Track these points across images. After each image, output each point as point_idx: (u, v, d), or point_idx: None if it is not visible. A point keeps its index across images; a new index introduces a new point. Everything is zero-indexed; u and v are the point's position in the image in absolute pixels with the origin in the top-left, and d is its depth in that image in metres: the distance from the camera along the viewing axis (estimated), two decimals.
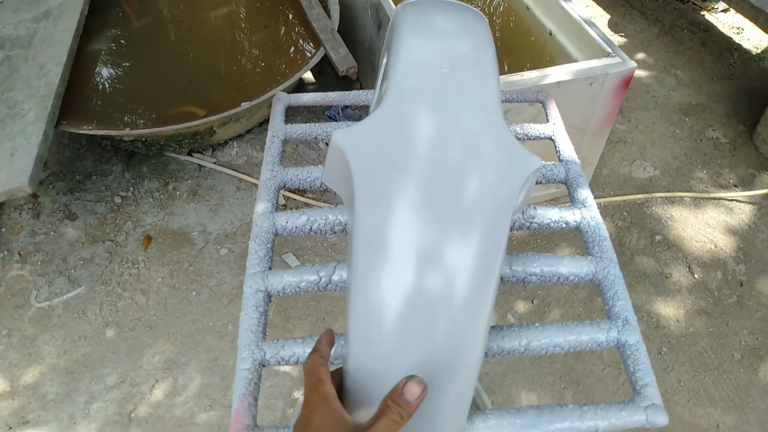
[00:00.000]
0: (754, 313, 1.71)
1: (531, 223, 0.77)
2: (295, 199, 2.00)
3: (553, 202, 2.02)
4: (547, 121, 0.93)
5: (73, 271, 1.81)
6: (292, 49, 2.18)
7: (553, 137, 0.90)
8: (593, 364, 1.60)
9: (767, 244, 1.89)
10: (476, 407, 1.48)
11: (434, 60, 0.62)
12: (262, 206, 0.81)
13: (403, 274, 0.51)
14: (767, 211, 1.98)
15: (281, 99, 0.97)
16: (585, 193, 0.80)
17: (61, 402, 1.54)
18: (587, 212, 0.78)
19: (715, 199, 2.03)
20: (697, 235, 1.92)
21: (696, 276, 1.80)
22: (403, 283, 0.51)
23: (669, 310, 1.72)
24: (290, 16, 2.30)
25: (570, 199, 0.81)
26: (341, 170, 0.58)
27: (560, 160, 0.86)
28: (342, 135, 0.57)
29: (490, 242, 0.53)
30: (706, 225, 1.95)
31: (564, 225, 0.78)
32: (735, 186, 2.07)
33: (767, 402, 1.53)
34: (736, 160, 2.16)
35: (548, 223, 0.77)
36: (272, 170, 0.85)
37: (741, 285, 1.78)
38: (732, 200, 2.03)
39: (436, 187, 0.53)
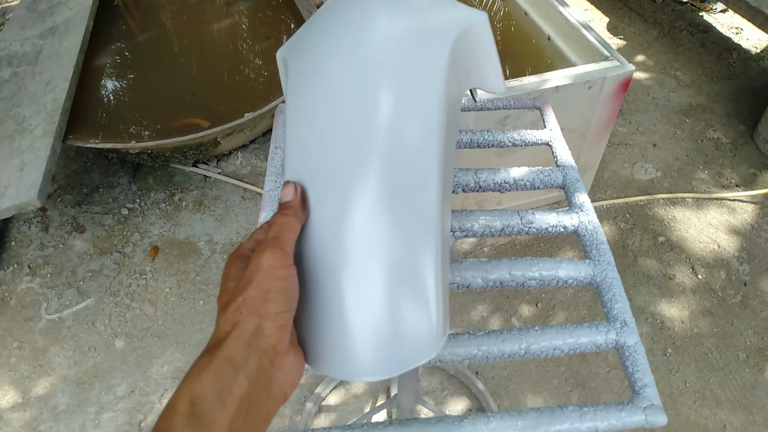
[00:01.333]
0: (759, 313, 1.71)
1: (530, 228, 0.78)
2: None
3: (556, 205, 2.04)
4: (545, 127, 0.95)
5: (82, 282, 1.84)
6: None
7: (550, 143, 0.91)
8: (598, 367, 1.61)
9: None
10: (482, 411, 1.49)
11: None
12: (264, 216, 0.82)
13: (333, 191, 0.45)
14: None
15: (283, 111, 0.99)
16: (582, 198, 0.82)
17: (72, 413, 1.56)
18: (584, 216, 0.79)
19: (717, 199, 2.04)
20: (700, 235, 1.93)
21: (700, 276, 1.81)
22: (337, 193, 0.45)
23: (673, 311, 1.73)
24: (291, 26, 2.34)
25: (567, 204, 0.83)
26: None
27: (558, 166, 0.88)
28: (283, 49, 0.54)
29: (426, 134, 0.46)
30: (708, 225, 1.95)
31: (562, 229, 0.79)
32: (737, 186, 2.08)
33: None
34: (737, 160, 2.17)
35: (546, 228, 0.79)
36: (275, 181, 0.87)
37: (745, 285, 1.78)
38: (734, 200, 2.03)
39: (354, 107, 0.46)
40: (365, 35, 0.48)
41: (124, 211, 2.03)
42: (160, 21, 2.40)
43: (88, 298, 1.80)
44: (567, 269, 0.73)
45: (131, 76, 2.16)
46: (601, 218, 2.00)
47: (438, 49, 0.46)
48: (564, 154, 0.89)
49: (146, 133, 1.91)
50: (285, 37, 2.32)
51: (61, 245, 1.94)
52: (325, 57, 0.48)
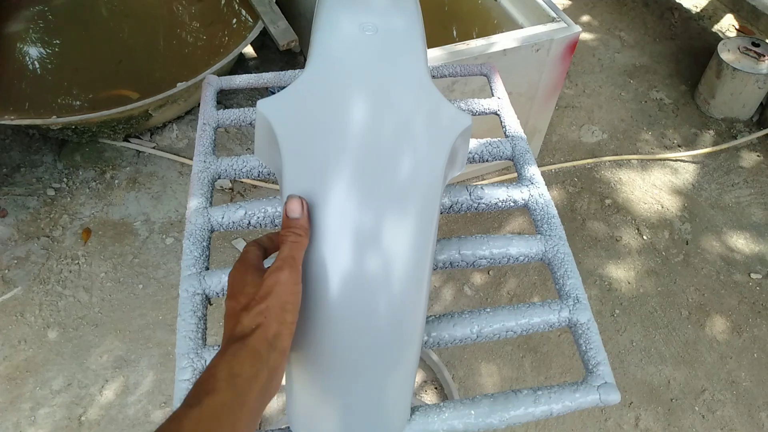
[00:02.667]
0: (700, 270, 1.77)
1: (479, 203, 0.74)
2: (242, 181, 1.93)
3: (505, 171, 2.02)
4: (492, 95, 0.90)
5: (7, 271, 1.71)
6: (230, 23, 2.07)
7: (498, 112, 0.87)
8: (549, 332, 1.63)
9: (710, 202, 1.94)
10: (445, 397, 1.48)
11: (357, 21, 0.60)
12: (195, 202, 0.75)
13: (340, 256, 0.50)
14: (709, 170, 2.04)
15: (211, 83, 0.90)
16: (532, 170, 0.78)
17: (4, 411, 1.45)
18: (535, 190, 0.76)
19: (660, 160, 2.07)
20: (644, 196, 1.96)
21: (645, 237, 1.84)
22: (339, 266, 0.50)
23: (620, 272, 1.76)
24: None
25: (517, 176, 0.79)
26: (271, 142, 0.54)
27: (506, 136, 0.84)
28: (267, 104, 0.54)
29: (426, 212, 0.52)
30: (653, 186, 1.99)
31: (512, 204, 0.76)
32: (679, 146, 2.12)
33: (714, 356, 1.59)
34: (679, 120, 2.21)
35: (496, 203, 0.75)
36: (204, 161, 0.80)
37: (687, 243, 1.83)
38: (677, 160, 2.07)
39: (366, 160, 0.51)
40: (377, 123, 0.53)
41: (50, 192, 1.88)
42: None
43: (15, 288, 1.67)
44: (518, 246, 0.70)
45: (49, 44, 1.98)
46: (550, 182, 2.00)
47: (440, 150, 0.54)
48: (513, 123, 0.85)
49: (69, 106, 1.76)
50: (219, 0, 2.17)
51: None
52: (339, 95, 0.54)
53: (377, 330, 0.51)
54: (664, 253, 1.81)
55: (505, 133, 0.85)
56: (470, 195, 0.74)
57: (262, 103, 0.54)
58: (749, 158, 2.07)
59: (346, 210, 0.50)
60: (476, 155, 0.81)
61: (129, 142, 1.98)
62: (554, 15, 1.70)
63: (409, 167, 0.52)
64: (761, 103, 2.18)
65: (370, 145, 0.52)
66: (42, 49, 1.96)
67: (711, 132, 2.16)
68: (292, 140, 0.52)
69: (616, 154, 2.08)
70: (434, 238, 0.53)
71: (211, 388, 0.40)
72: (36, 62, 1.91)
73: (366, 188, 0.50)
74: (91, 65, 1.90)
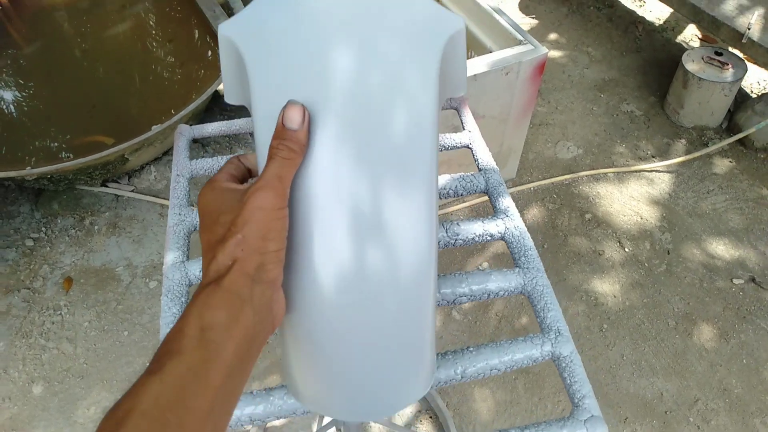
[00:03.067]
0: (683, 279, 1.78)
1: (456, 240, 0.75)
2: None
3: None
4: (463, 128, 0.91)
5: None
6: (202, 63, 2.08)
7: (470, 146, 0.88)
8: None
9: (687, 210, 1.97)
10: (440, 426, 1.47)
11: None
12: (171, 256, 0.75)
13: (336, 179, 0.42)
14: (684, 179, 2.07)
15: (183, 133, 0.91)
16: (506, 202, 0.79)
17: None
18: (510, 222, 0.77)
19: (636, 171, 2.10)
20: (623, 209, 1.98)
21: (626, 250, 1.86)
22: (336, 191, 0.42)
23: (605, 286, 1.77)
24: (195, 29, 2.20)
25: (492, 209, 0.80)
26: (241, 74, 0.45)
27: (479, 170, 0.85)
28: (230, 26, 0.44)
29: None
30: (630, 198, 2.02)
31: (489, 237, 0.76)
32: (653, 157, 2.16)
33: (703, 364, 1.60)
34: (651, 132, 2.25)
35: (473, 238, 0.75)
36: (179, 214, 0.79)
37: (668, 253, 1.85)
38: (652, 171, 2.10)
39: (346, 77, 0.42)
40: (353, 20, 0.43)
41: (29, 242, 1.86)
42: (49, 29, 2.20)
43: None
44: (497, 281, 0.71)
45: (20, 94, 1.97)
46: (529, 200, 2.02)
47: (430, 56, 0.44)
48: (485, 156, 0.86)
49: (43, 156, 1.74)
50: (189, 38, 2.18)
51: None
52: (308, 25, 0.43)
53: (384, 268, 0.44)
54: (646, 264, 1.83)
55: (477, 166, 0.86)
56: (447, 232, 0.75)
57: (225, 27, 0.44)
58: (722, 165, 2.12)
59: (335, 123, 0.42)
60: (450, 190, 0.82)
61: (107, 186, 1.97)
62: (521, 38, 1.73)
63: (393, 87, 0.43)
64: (729, 110, 2.23)
65: (348, 53, 0.42)
66: (14, 98, 1.95)
67: (683, 141, 2.21)
68: (265, 62, 0.43)
69: (593, 169, 2.11)
70: (436, 159, 0.45)
71: (176, 349, 0.34)
72: (8, 112, 1.90)
73: (353, 104, 0.42)
74: (64, 112, 1.89)
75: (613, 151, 2.18)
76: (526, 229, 0.77)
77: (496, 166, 0.84)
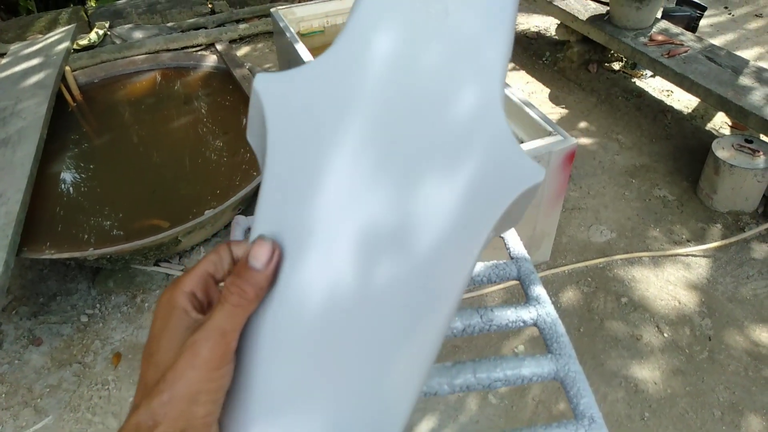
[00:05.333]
0: (727, 367, 1.74)
1: (490, 325, 0.80)
2: None
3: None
4: None
5: (39, 400, 1.75)
6: (251, 152, 2.25)
7: (502, 235, 0.95)
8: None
9: (727, 296, 1.95)
10: None
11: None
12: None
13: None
14: (722, 263, 2.07)
15: (239, 223, 1.00)
16: (538, 290, 0.84)
17: None
18: (542, 309, 0.81)
19: (671, 256, 2.11)
20: (660, 293, 1.98)
21: (666, 335, 1.84)
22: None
23: (645, 372, 1.74)
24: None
25: (524, 297, 0.85)
26: (261, 128, 0.42)
27: (511, 258, 0.91)
28: (265, 81, 0.41)
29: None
30: (667, 282, 2.01)
31: (522, 324, 0.81)
32: (688, 241, 2.17)
33: None
34: (685, 216, 2.27)
35: (506, 324, 0.80)
36: None
37: (710, 339, 1.82)
38: (688, 255, 2.11)
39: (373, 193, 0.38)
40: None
41: (84, 318, 1.96)
42: (117, 123, 2.43)
43: (47, 417, 1.71)
44: (530, 367, 0.74)
45: (88, 180, 2.16)
46: (564, 284, 2.03)
47: (493, 212, 0.40)
48: (516, 245, 0.92)
49: (105, 238, 1.89)
50: (240, 129, 2.37)
51: (16, 360, 1.85)
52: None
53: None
54: (687, 350, 1.80)
55: (509, 254, 0.92)
56: (481, 318, 0.80)
57: (261, 79, 0.41)
58: (760, 250, 2.11)
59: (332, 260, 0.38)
60: (483, 278, 0.87)
61: (159, 266, 2.09)
62: (551, 129, 1.83)
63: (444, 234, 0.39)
64: (764, 195, 2.24)
65: (386, 168, 0.39)
66: (81, 186, 2.13)
67: (718, 226, 2.22)
68: (284, 136, 0.40)
69: (627, 252, 2.13)
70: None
71: None
72: (75, 198, 2.07)
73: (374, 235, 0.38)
74: (128, 197, 2.06)
75: (647, 235, 2.20)
76: (557, 316, 0.81)
77: (527, 255, 0.90)
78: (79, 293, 2.04)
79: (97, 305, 2.00)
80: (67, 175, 2.17)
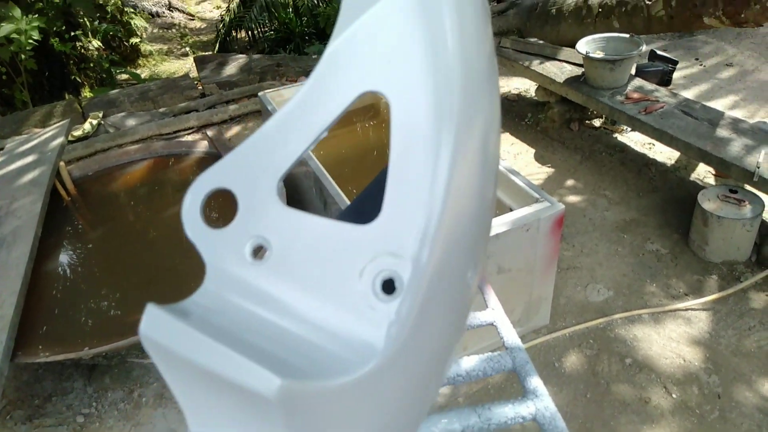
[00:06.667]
0: (740, 426, 1.70)
1: (489, 424, 0.79)
2: None
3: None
4: (486, 306, 0.99)
5: None
6: None
7: (494, 323, 0.95)
8: None
9: (731, 349, 1.93)
10: None
11: None
12: None
13: None
14: (722, 316, 2.06)
15: None
16: (535, 382, 0.84)
17: None
18: (540, 403, 0.81)
19: (671, 311, 2.10)
20: (664, 351, 1.96)
21: (674, 396, 1.81)
22: None
23: None
24: None
25: (521, 389, 0.84)
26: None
27: (506, 348, 0.91)
28: (153, 323, 0.37)
29: None
30: (669, 339, 1.99)
31: (521, 420, 0.80)
32: (686, 294, 2.16)
33: None
34: (680, 269, 2.28)
35: (506, 422, 0.79)
36: None
37: (719, 397, 1.79)
38: (687, 309, 2.10)
39: None
40: None
41: (80, 419, 1.91)
42: (111, 214, 2.46)
43: None
44: None
45: (82, 275, 2.16)
46: (566, 347, 2.01)
47: None
48: (509, 334, 0.92)
49: (101, 335, 1.87)
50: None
51: None
52: None
53: None
54: (698, 410, 1.76)
55: (503, 344, 0.91)
56: (479, 417, 0.79)
57: (149, 322, 0.36)
58: (759, 299, 2.10)
59: None
60: (479, 372, 0.87)
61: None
62: (537, 196, 1.87)
63: None
64: (755, 243, 2.26)
65: None
66: (76, 281, 2.13)
67: (714, 277, 2.22)
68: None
69: (626, 310, 2.12)
70: None
71: None
72: (70, 294, 2.07)
73: None
74: (123, 289, 2.05)
75: (645, 291, 2.20)
76: (556, 409, 0.80)
77: (521, 345, 0.90)
78: (75, 392, 2.00)
79: (94, 403, 1.96)
80: (62, 272, 2.17)
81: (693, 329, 2.02)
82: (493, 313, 0.97)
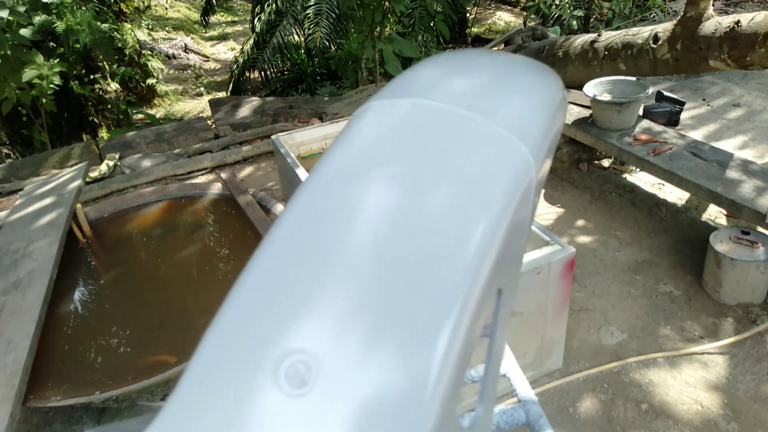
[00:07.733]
0: None
1: None
2: None
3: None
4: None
5: None
6: None
7: (507, 374, 0.94)
8: None
9: (750, 395, 1.89)
10: None
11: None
12: None
13: None
14: (739, 360, 2.02)
15: None
16: None
17: None
18: None
19: (687, 355, 2.07)
20: (680, 397, 1.92)
21: None
22: None
23: None
24: (254, 246, 2.45)
25: None
26: None
27: (518, 400, 0.90)
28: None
29: None
30: (686, 384, 1.96)
31: None
32: (701, 338, 2.13)
33: None
34: (694, 311, 2.25)
35: None
36: None
37: None
38: (703, 353, 2.07)
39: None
40: None
41: None
42: (125, 256, 2.49)
43: None
44: None
45: (95, 318, 2.18)
46: (580, 392, 1.98)
47: None
48: (522, 386, 0.92)
49: (111, 378, 1.87)
50: (249, 255, 2.42)
51: None
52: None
53: None
54: None
55: (516, 396, 0.91)
56: None
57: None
58: None
59: None
60: (492, 425, 0.86)
61: (165, 400, 2.05)
62: (548, 239, 1.87)
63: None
64: None
65: None
66: (88, 323, 2.15)
67: (729, 320, 2.19)
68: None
69: (641, 354, 2.09)
70: None
71: None
72: (82, 337, 2.08)
73: None
74: (134, 332, 2.06)
75: (659, 334, 2.17)
76: None
77: (534, 397, 0.90)
78: None
79: None
80: (75, 314, 2.19)
81: (710, 374, 1.99)
82: (506, 364, 0.97)
